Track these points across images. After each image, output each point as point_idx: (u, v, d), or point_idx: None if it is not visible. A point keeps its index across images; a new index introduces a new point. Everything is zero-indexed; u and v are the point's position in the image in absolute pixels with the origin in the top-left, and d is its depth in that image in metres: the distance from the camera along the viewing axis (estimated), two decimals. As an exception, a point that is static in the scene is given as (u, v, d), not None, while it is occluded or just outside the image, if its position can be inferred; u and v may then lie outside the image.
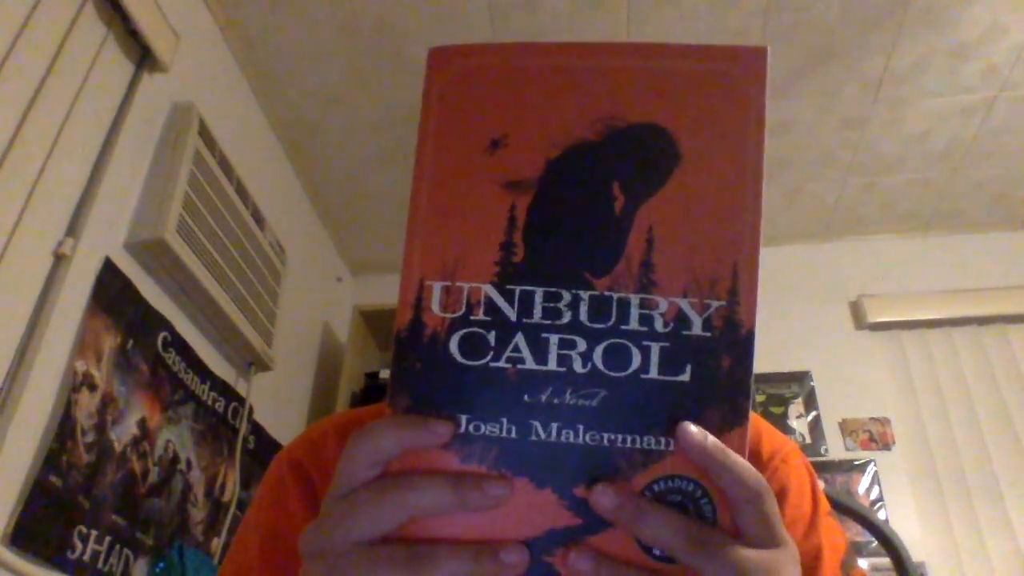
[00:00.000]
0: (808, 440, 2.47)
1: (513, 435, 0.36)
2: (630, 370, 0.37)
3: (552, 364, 0.37)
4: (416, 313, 0.37)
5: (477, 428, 0.37)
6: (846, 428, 2.49)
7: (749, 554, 0.36)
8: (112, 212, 1.49)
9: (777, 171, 2.54)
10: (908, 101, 2.27)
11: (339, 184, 2.55)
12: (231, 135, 1.92)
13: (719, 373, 0.37)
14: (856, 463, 2.43)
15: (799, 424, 2.51)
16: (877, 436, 2.47)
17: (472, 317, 0.37)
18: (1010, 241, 2.75)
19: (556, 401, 0.37)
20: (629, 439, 0.37)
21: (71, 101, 1.39)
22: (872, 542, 1.96)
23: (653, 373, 0.37)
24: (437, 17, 1.97)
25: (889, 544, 1.31)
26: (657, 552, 0.37)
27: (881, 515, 2.30)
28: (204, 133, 1.73)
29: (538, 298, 0.37)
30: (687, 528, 0.35)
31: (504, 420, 0.37)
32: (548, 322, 0.37)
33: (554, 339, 0.37)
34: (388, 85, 2.16)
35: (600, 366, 0.37)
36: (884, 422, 2.49)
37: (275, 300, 2.06)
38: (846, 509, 1.40)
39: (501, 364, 0.37)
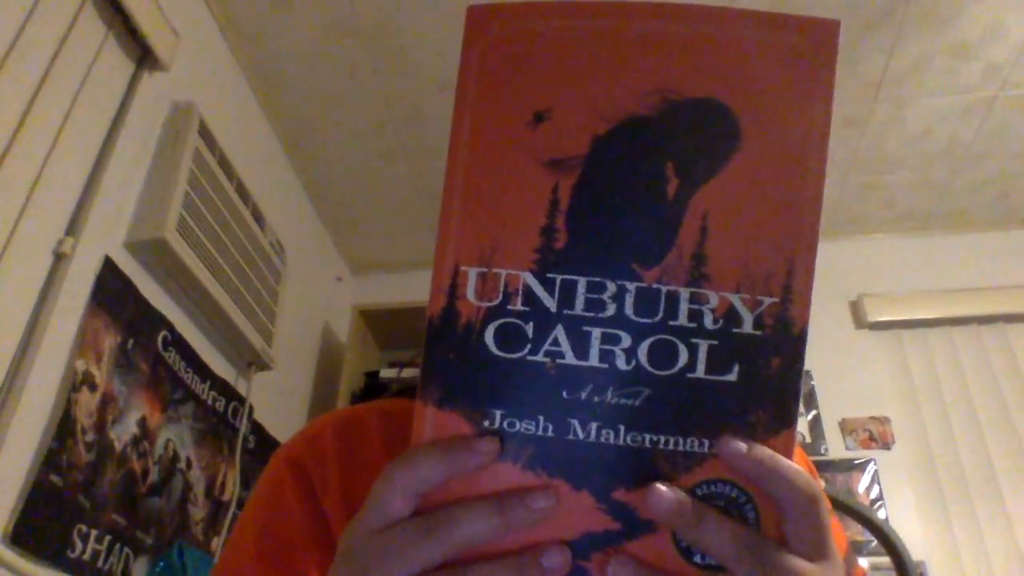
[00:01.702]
0: (808, 439, 2.47)
1: (550, 434, 0.35)
2: (676, 368, 0.35)
3: (594, 360, 0.35)
4: (450, 300, 0.35)
5: (512, 425, 0.35)
6: (846, 427, 2.49)
7: (802, 565, 0.34)
8: (112, 212, 1.49)
9: (777, 171, 2.54)
10: (908, 101, 2.27)
11: (339, 184, 2.55)
12: (231, 135, 1.92)
13: (767, 374, 0.35)
14: (856, 462, 2.42)
15: (799, 423, 2.50)
16: (877, 435, 2.47)
17: (509, 307, 0.35)
18: (1010, 241, 2.75)
19: (597, 399, 0.35)
20: (672, 441, 0.35)
21: (71, 101, 1.39)
22: (872, 541, 1.96)
23: (700, 372, 0.35)
24: (437, 17, 1.97)
25: (889, 543, 1.31)
26: (698, 560, 0.35)
27: (881, 514, 2.30)
28: (204, 133, 1.73)
29: (580, 288, 0.35)
30: (742, 535, 0.34)
31: (541, 418, 0.35)
32: (591, 315, 0.35)
33: (596, 333, 0.35)
34: (388, 85, 2.16)
35: (645, 364, 0.35)
36: (884, 421, 2.49)
37: (275, 300, 2.06)
38: (846, 508, 1.40)
39: (539, 358, 0.35)
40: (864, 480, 2.40)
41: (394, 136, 2.34)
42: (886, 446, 2.45)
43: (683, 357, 0.35)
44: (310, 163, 2.44)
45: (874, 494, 2.38)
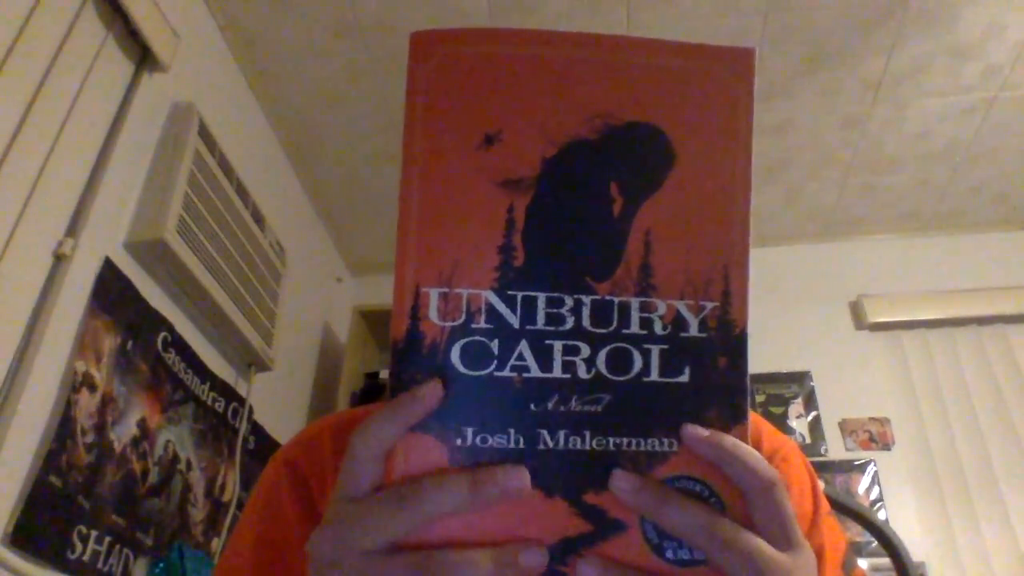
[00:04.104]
0: (808, 440, 2.47)
1: (521, 446, 0.36)
2: (632, 374, 0.37)
3: (557, 371, 0.36)
4: (413, 322, 0.36)
5: (484, 440, 0.36)
6: (846, 428, 2.49)
7: (769, 549, 0.35)
8: (112, 212, 1.49)
9: (777, 171, 2.54)
10: (908, 101, 2.27)
11: (339, 184, 2.55)
12: (231, 135, 1.92)
13: (716, 373, 0.37)
14: (856, 463, 2.42)
15: (799, 424, 2.51)
16: (877, 436, 2.47)
17: (473, 325, 0.36)
18: (1010, 241, 2.75)
19: (562, 408, 0.36)
20: (634, 442, 0.36)
21: (71, 101, 1.39)
22: (872, 542, 1.96)
23: (654, 376, 0.37)
24: (437, 17, 1.97)
25: (889, 544, 1.31)
26: (669, 556, 0.36)
27: (881, 515, 2.30)
28: (204, 133, 1.73)
29: (541, 304, 0.36)
30: (707, 516, 0.35)
31: (512, 431, 0.36)
32: (552, 328, 0.36)
33: (558, 345, 0.36)
34: (388, 85, 2.16)
35: (604, 371, 0.37)
36: (884, 422, 2.49)
37: (275, 300, 2.06)
38: (846, 509, 1.39)
39: (506, 373, 0.36)
40: (864, 481, 2.39)
41: (394, 136, 2.34)
42: (886, 447, 2.45)
43: (638, 363, 0.37)
44: (310, 163, 2.44)
45: (874, 495, 2.38)
